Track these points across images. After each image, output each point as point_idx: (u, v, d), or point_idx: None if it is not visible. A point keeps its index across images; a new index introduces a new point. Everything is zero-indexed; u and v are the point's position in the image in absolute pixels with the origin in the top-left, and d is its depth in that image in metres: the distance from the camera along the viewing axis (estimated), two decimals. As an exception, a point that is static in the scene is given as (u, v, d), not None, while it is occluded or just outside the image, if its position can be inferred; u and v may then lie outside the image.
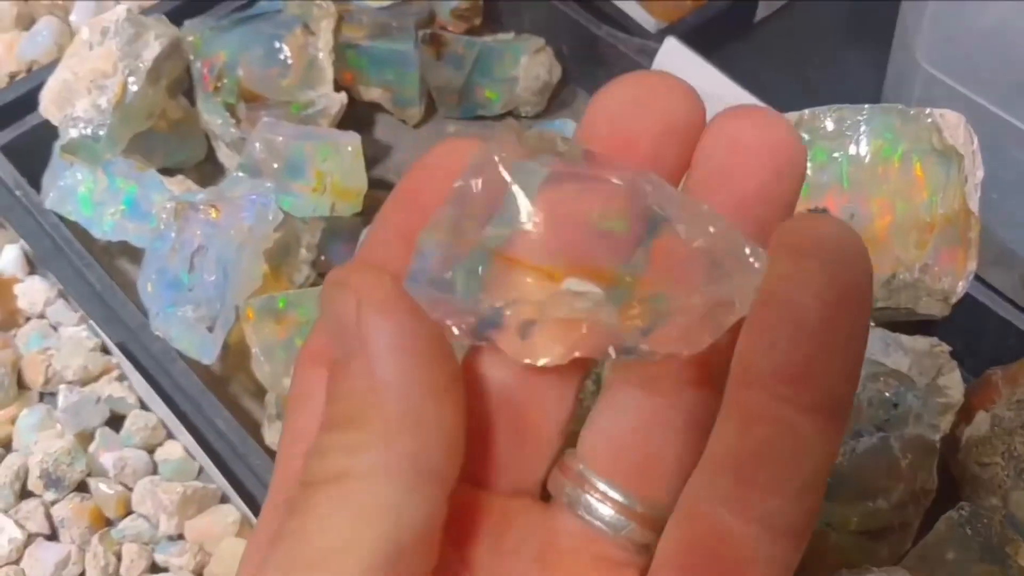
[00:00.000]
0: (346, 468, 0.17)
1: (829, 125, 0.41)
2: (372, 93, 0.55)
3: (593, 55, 0.56)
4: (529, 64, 0.55)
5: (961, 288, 0.42)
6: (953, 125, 0.40)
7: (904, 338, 0.41)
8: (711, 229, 0.17)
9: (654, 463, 0.19)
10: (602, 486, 0.19)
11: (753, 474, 0.16)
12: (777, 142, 0.18)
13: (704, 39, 0.56)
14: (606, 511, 0.19)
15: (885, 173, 0.41)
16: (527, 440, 0.20)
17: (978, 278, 0.44)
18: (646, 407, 0.19)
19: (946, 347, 0.41)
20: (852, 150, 0.41)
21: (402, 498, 0.17)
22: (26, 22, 0.60)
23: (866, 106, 0.40)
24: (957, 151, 0.40)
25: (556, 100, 0.57)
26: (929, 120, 0.40)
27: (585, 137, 0.19)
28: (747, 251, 0.17)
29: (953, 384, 0.40)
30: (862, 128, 0.40)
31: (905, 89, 0.48)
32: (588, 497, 0.19)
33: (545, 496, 0.20)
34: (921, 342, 0.41)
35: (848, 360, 0.16)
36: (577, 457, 0.19)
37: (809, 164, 0.41)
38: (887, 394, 0.40)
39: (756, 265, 0.17)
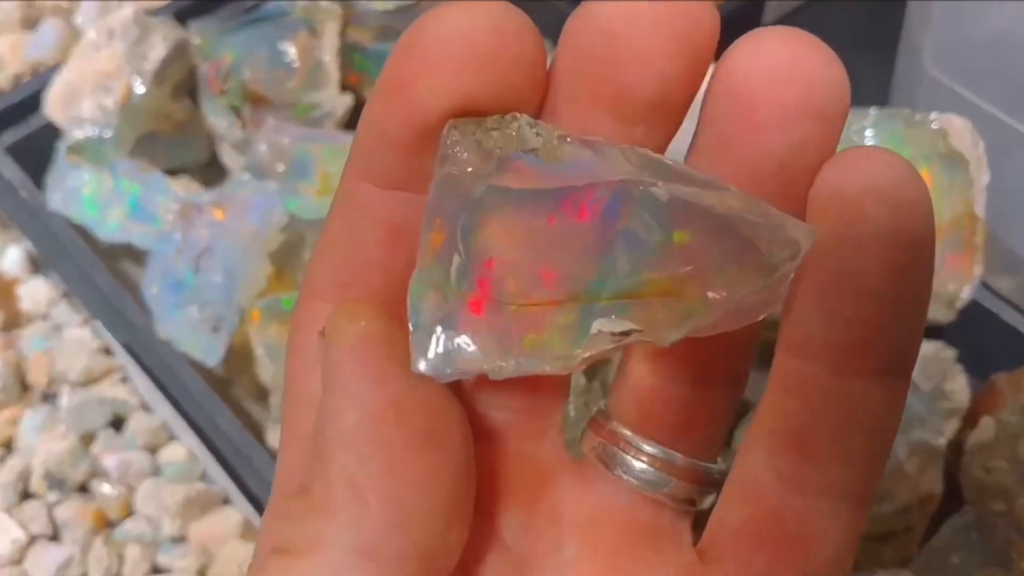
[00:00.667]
0: (287, 540, 0.16)
1: (835, 129, 0.41)
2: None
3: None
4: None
5: (967, 293, 0.42)
6: (959, 130, 0.40)
7: (909, 343, 0.41)
8: (737, 208, 0.14)
9: (689, 416, 0.18)
10: (639, 442, 0.18)
11: (817, 448, 0.15)
12: (812, 72, 0.15)
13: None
14: (644, 467, 0.17)
15: (891, 177, 0.41)
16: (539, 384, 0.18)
17: (984, 284, 0.43)
18: (674, 362, 0.18)
19: (951, 352, 0.41)
20: (858, 154, 0.40)
21: None
22: (30, 23, 0.60)
23: (871, 110, 0.40)
24: (963, 156, 0.40)
25: (561, 104, 0.57)
26: (935, 125, 0.40)
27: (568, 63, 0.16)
28: (789, 232, 0.14)
29: (958, 389, 0.40)
30: (867, 133, 0.40)
31: (912, 94, 0.48)
32: (624, 455, 0.18)
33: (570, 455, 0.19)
34: (926, 347, 0.41)
35: (915, 320, 0.15)
36: (609, 415, 0.18)
37: (815, 168, 0.41)
38: (892, 399, 0.40)
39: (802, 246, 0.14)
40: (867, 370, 0.15)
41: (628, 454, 0.18)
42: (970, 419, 0.41)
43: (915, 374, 0.40)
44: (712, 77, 0.16)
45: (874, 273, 0.14)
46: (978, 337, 0.45)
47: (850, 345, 0.15)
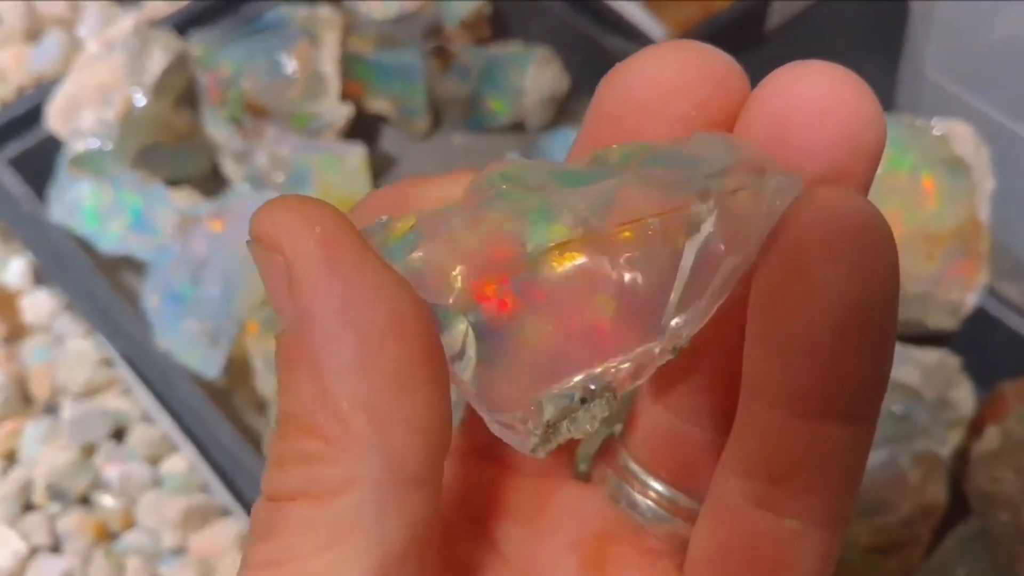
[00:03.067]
0: (307, 484, 0.14)
1: (835, 136, 0.40)
2: (378, 105, 0.55)
3: (602, 65, 0.55)
4: (536, 75, 0.55)
5: (971, 301, 0.41)
6: (962, 136, 0.39)
7: (914, 350, 0.40)
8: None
9: (697, 457, 0.18)
10: (647, 479, 0.18)
11: (786, 478, 0.15)
12: (847, 108, 0.15)
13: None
14: (650, 505, 0.18)
15: (893, 185, 0.40)
16: None
17: (990, 291, 0.43)
18: (688, 403, 0.18)
19: (956, 360, 0.40)
20: (859, 161, 0.40)
21: (378, 514, 0.14)
22: (34, 35, 0.60)
23: (873, 117, 0.40)
24: (965, 162, 0.40)
25: (564, 111, 0.57)
26: (937, 131, 0.40)
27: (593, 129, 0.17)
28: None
29: (963, 398, 0.39)
30: (869, 139, 0.40)
31: (915, 99, 0.48)
32: (630, 489, 0.18)
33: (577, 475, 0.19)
34: (931, 355, 0.40)
35: (878, 368, 0.14)
36: (619, 446, 0.18)
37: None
38: (895, 408, 0.39)
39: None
40: (826, 414, 0.15)
41: (635, 489, 0.18)
42: (976, 428, 0.41)
43: (919, 383, 0.40)
44: (748, 107, 0.16)
45: (830, 329, 0.14)
46: (984, 345, 0.44)
47: (806, 391, 0.14)
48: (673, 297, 0.15)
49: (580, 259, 0.15)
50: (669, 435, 0.18)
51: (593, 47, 0.55)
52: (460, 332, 0.15)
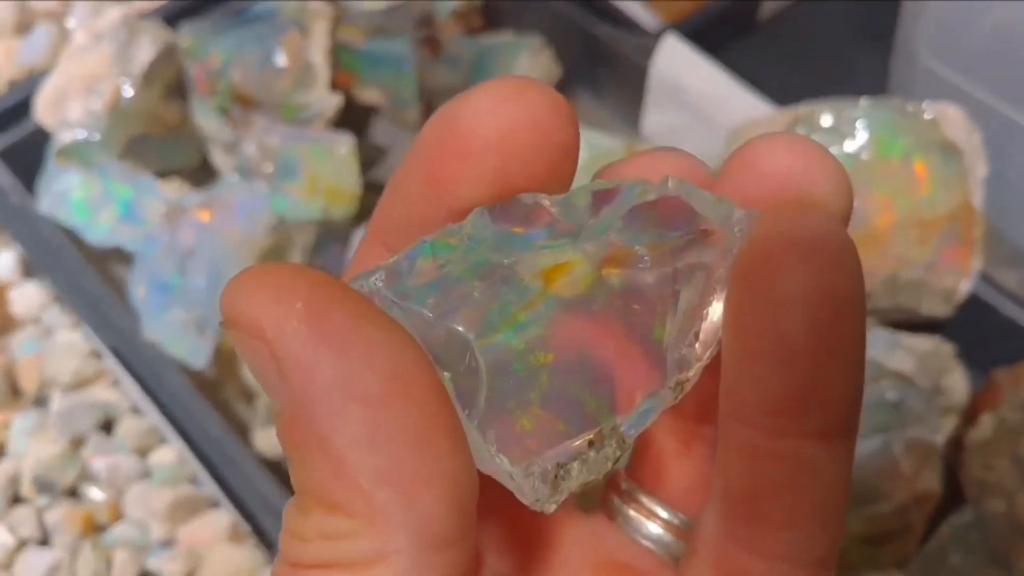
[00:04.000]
0: (336, 557, 0.14)
1: (826, 121, 0.40)
2: (369, 95, 0.55)
3: (593, 55, 0.55)
4: (528, 64, 0.55)
5: (964, 287, 0.41)
6: (953, 120, 0.39)
7: (907, 338, 0.40)
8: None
9: (701, 484, 0.17)
10: (653, 506, 0.18)
11: (765, 511, 0.15)
12: (815, 176, 0.15)
13: (706, 39, 0.55)
14: (658, 531, 0.18)
15: (885, 169, 0.40)
16: None
17: (984, 277, 0.43)
18: (691, 430, 0.18)
19: (950, 347, 0.40)
20: (850, 146, 0.40)
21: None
22: (24, 29, 0.60)
23: (862, 100, 0.39)
24: (958, 147, 0.39)
25: (556, 101, 0.56)
26: (928, 115, 0.39)
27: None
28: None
29: (957, 385, 0.39)
30: (860, 124, 0.40)
31: (908, 86, 0.47)
32: (635, 514, 0.18)
33: (583, 506, 0.19)
34: (924, 342, 0.40)
35: (850, 378, 0.14)
36: (622, 472, 0.18)
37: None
38: (888, 396, 0.39)
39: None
40: (804, 432, 0.14)
41: (642, 515, 0.18)
42: (970, 416, 0.40)
43: (912, 370, 0.39)
44: (721, 174, 0.16)
45: (798, 337, 0.14)
46: (978, 332, 0.44)
47: (782, 409, 0.14)
48: (675, 353, 0.15)
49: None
50: (675, 465, 0.18)
51: (585, 37, 0.55)
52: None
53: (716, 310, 0.15)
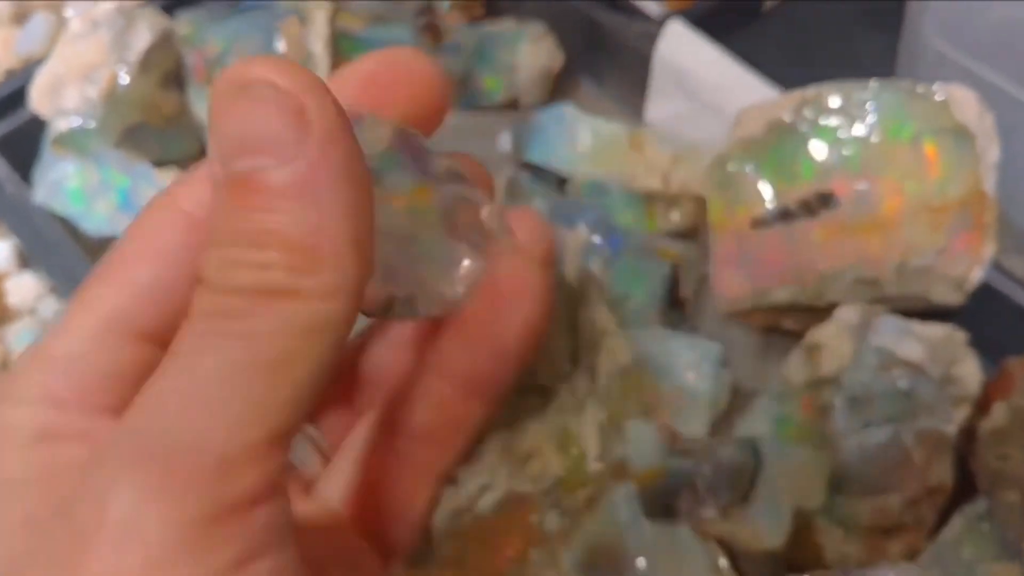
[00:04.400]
0: (294, 285, 0.17)
1: (834, 103, 0.39)
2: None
3: (596, 42, 0.54)
4: (530, 52, 0.54)
5: (976, 274, 0.40)
6: (963, 102, 0.38)
7: (918, 326, 0.39)
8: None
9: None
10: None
11: (440, 440, 0.23)
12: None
13: (711, 26, 0.54)
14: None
15: (894, 153, 0.39)
16: None
17: (997, 265, 0.42)
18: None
19: (962, 335, 0.39)
20: (859, 129, 0.39)
21: (338, 319, 0.17)
22: (21, 19, 0.59)
23: (871, 82, 0.39)
24: (969, 130, 0.38)
25: (558, 88, 0.56)
26: (938, 97, 0.38)
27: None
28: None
29: (969, 374, 0.38)
30: (868, 106, 0.39)
31: (916, 69, 0.47)
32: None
33: None
34: (936, 330, 0.39)
35: (511, 373, 0.23)
36: None
37: (815, 144, 0.40)
38: (899, 384, 0.38)
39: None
40: (478, 397, 0.22)
41: None
42: (982, 405, 0.39)
43: (923, 359, 0.39)
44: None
45: (505, 338, 0.21)
46: (990, 320, 0.43)
47: (474, 379, 0.22)
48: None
49: None
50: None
51: (588, 23, 0.54)
52: None
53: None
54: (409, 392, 0.22)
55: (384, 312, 0.20)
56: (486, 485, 0.33)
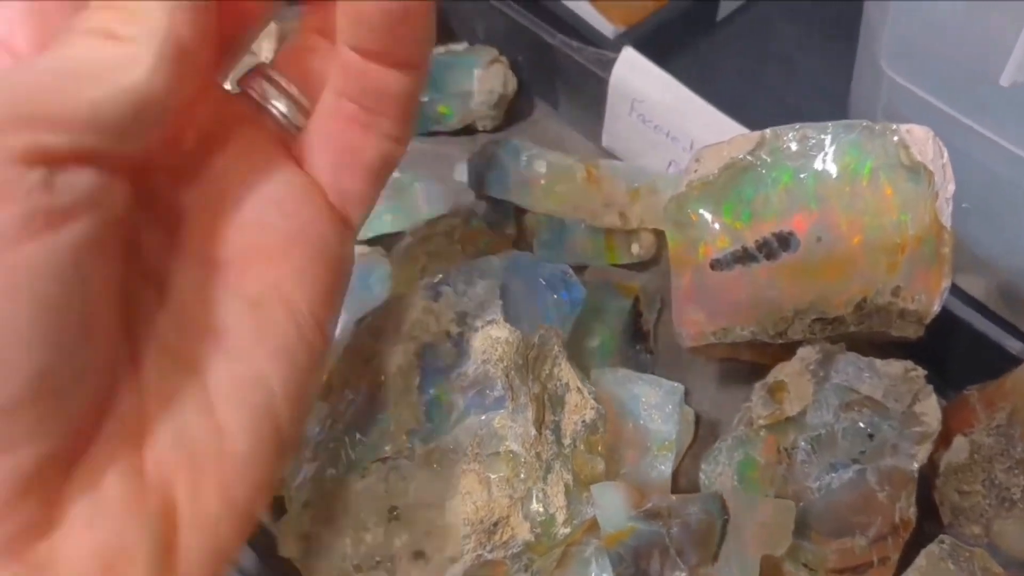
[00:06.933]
0: (114, 30, 0.21)
1: (793, 145, 0.39)
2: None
3: (549, 65, 0.53)
4: (483, 76, 0.53)
5: (936, 308, 0.40)
6: (921, 140, 0.38)
7: (878, 363, 0.39)
8: None
9: (321, 74, 0.26)
10: (286, 85, 0.26)
11: (362, 96, 0.25)
12: None
13: (664, 42, 0.54)
14: (285, 104, 0.26)
15: (853, 191, 0.39)
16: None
17: (953, 287, 0.42)
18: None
19: (921, 371, 0.39)
20: (818, 167, 0.39)
21: (153, 67, 0.21)
22: None
23: (830, 124, 0.38)
24: (926, 167, 0.38)
25: (513, 112, 0.55)
26: (895, 137, 0.38)
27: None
28: None
29: (930, 411, 0.38)
30: (827, 146, 0.39)
31: (870, 94, 0.46)
32: (272, 88, 0.26)
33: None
34: (895, 366, 0.39)
35: (420, 41, 0.25)
36: (267, 66, 0.27)
37: (775, 186, 0.40)
38: (861, 424, 0.38)
39: None
40: (387, 63, 0.24)
41: (277, 91, 0.26)
42: (943, 438, 0.40)
43: (885, 395, 0.39)
44: None
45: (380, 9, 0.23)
46: (948, 345, 0.43)
47: (374, 50, 0.24)
48: None
49: None
50: (306, 55, 0.27)
51: (540, 47, 0.53)
52: None
53: None
54: (335, 62, 0.25)
55: None
56: (453, 557, 0.33)
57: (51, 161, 0.19)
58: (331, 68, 0.25)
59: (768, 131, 0.39)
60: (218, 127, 0.25)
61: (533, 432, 0.34)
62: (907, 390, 0.39)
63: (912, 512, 0.38)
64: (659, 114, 0.48)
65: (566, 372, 0.36)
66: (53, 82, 0.20)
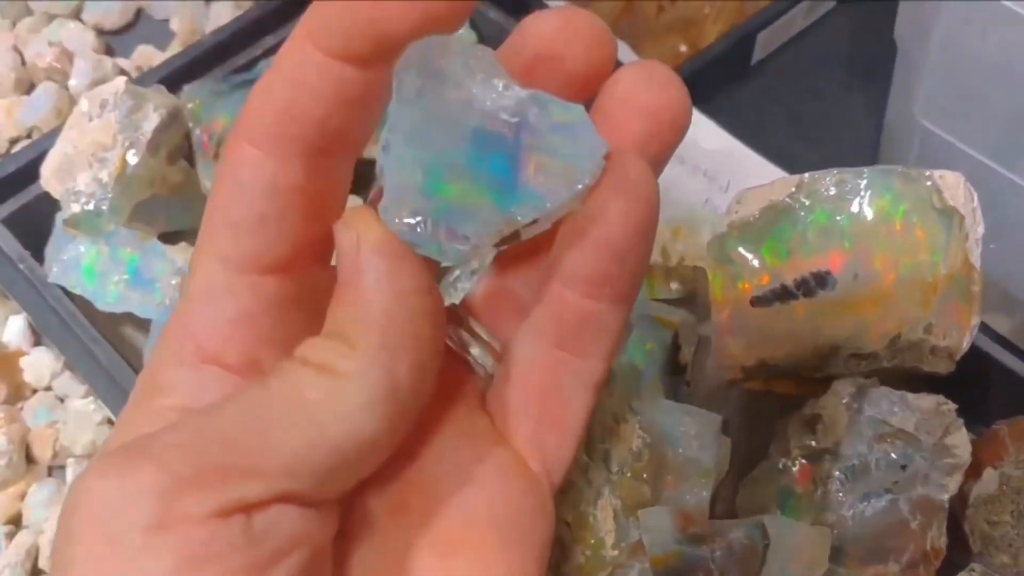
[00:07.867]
0: (331, 363, 0.20)
1: (831, 190, 0.41)
2: (375, 151, 0.55)
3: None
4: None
5: (966, 344, 0.42)
6: (952, 186, 0.40)
7: (910, 396, 0.41)
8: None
9: (513, 314, 0.24)
10: (475, 326, 0.25)
11: (574, 346, 0.23)
12: (664, 100, 0.22)
13: (701, 85, 0.56)
14: (478, 348, 0.25)
15: (888, 231, 0.41)
16: None
17: (982, 325, 0.43)
18: (520, 269, 0.25)
19: (952, 405, 0.41)
20: (854, 209, 0.41)
21: (366, 406, 0.20)
22: (25, 87, 0.60)
23: (866, 169, 0.40)
24: (958, 211, 0.40)
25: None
26: (928, 182, 0.40)
27: (507, 53, 0.22)
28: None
29: (960, 443, 0.40)
30: (863, 190, 0.41)
31: (902, 140, 0.48)
32: (466, 335, 0.25)
33: None
34: (927, 400, 0.41)
35: (640, 265, 0.22)
36: (460, 308, 0.25)
37: (811, 227, 0.42)
38: (894, 456, 0.40)
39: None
40: (605, 298, 0.22)
41: (469, 334, 0.25)
42: (973, 470, 0.41)
43: (917, 428, 0.40)
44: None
45: (614, 234, 0.21)
46: (978, 382, 0.45)
47: (597, 280, 0.22)
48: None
49: None
50: (498, 295, 0.25)
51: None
52: None
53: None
54: (539, 303, 0.23)
55: (512, 239, 0.21)
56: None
57: (249, 509, 0.18)
58: (514, 306, 0.24)
59: (807, 175, 0.41)
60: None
61: (585, 459, 0.36)
62: (938, 423, 0.40)
63: (943, 541, 0.40)
64: (697, 156, 0.50)
65: (616, 402, 0.38)
66: (251, 424, 0.19)
